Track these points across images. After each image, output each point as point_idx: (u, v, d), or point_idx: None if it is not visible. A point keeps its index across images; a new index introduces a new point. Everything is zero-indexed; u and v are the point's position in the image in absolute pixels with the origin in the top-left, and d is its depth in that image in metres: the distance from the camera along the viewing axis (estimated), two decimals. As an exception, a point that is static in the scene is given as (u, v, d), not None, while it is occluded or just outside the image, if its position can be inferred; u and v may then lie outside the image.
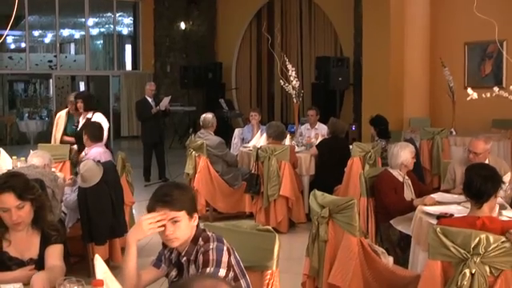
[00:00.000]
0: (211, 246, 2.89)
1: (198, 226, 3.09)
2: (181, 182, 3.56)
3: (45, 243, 3.33)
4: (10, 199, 3.25)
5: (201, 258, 2.88)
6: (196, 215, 3.02)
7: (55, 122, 8.98)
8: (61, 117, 8.92)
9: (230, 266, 2.88)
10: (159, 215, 2.90)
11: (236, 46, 17.96)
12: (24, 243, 3.29)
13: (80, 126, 8.17)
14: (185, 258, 2.99)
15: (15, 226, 3.28)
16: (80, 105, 8.28)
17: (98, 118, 8.12)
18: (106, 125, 7.72)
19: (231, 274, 2.89)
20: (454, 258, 3.42)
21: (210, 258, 2.85)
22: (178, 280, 3.03)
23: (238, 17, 17.65)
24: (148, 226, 2.90)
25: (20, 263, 3.25)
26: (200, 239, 2.97)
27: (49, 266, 3.24)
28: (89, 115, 8.20)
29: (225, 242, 2.97)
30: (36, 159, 5.89)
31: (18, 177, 3.45)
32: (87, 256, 5.70)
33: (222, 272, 2.83)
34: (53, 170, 6.79)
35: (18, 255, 3.27)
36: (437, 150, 9.19)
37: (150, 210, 2.95)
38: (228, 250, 2.93)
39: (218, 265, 2.83)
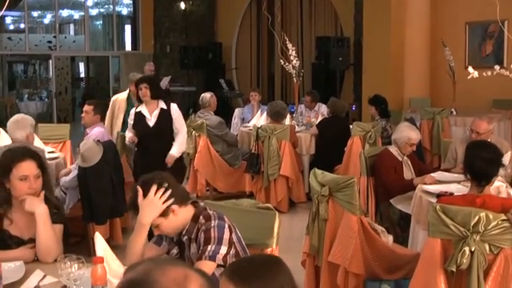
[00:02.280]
0: (213, 224, 2.90)
1: (197, 204, 3.08)
2: (147, 176, 3.12)
3: None
4: (31, 167, 3.28)
5: (202, 235, 2.89)
6: (183, 206, 3.00)
7: (109, 109, 7.68)
8: (119, 102, 7.74)
9: (231, 243, 2.90)
10: (161, 192, 2.91)
11: (236, 25, 17.87)
12: (25, 222, 3.29)
13: (153, 121, 6.26)
14: (186, 237, 3.01)
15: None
16: (145, 91, 6.20)
17: (176, 112, 6.37)
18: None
19: (233, 251, 2.91)
20: (453, 235, 3.42)
21: (212, 235, 2.87)
22: (178, 258, 3.04)
23: (237, -4, 17.57)
24: (160, 201, 2.91)
25: (20, 242, 3.26)
26: (201, 217, 2.97)
27: None
28: (162, 105, 6.29)
29: (226, 219, 2.98)
30: (19, 133, 5.62)
31: (31, 148, 3.50)
32: (88, 236, 5.71)
33: (224, 249, 2.85)
34: (48, 148, 6.79)
35: (18, 234, 3.28)
36: (437, 130, 9.18)
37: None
38: (229, 227, 2.94)
39: (220, 242, 2.85)
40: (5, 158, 3.33)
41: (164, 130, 6.26)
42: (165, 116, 6.26)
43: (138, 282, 1.36)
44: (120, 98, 7.80)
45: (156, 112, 6.24)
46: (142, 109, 6.28)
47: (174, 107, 6.34)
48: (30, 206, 3.21)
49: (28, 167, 3.27)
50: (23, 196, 3.22)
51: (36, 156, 3.37)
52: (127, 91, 7.71)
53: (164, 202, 2.91)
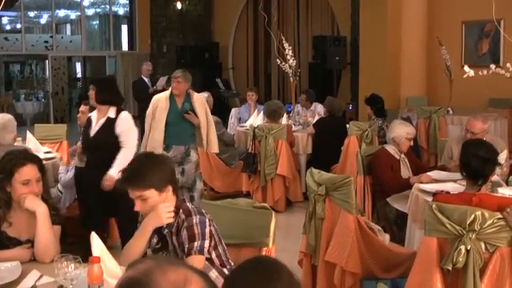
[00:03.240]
0: (194, 221, 2.99)
1: (177, 196, 3.12)
2: (153, 154, 3.55)
3: None
4: (33, 171, 3.31)
5: (185, 232, 2.97)
6: (169, 187, 3.06)
7: (150, 110, 6.80)
8: (160, 101, 6.76)
9: (211, 236, 3.01)
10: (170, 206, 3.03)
11: (233, 25, 17.86)
12: (23, 223, 3.30)
13: (95, 130, 5.37)
14: (166, 230, 3.08)
15: None
16: (92, 94, 5.52)
17: (124, 123, 5.41)
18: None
19: (212, 243, 3.03)
20: (449, 234, 3.43)
21: (195, 231, 2.96)
22: (160, 248, 3.12)
23: (234, -4, 17.57)
24: (166, 215, 3.00)
25: (17, 243, 3.26)
26: (181, 211, 3.06)
27: None
28: (111, 113, 5.35)
29: (204, 212, 3.07)
30: (8, 137, 5.46)
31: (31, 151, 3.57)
32: (84, 236, 5.68)
33: (207, 243, 2.97)
34: (45, 148, 6.78)
35: (16, 235, 3.28)
36: (433, 129, 9.18)
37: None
38: (209, 220, 3.04)
39: (203, 237, 2.97)
40: (7, 162, 3.33)
41: (104, 144, 5.21)
42: (108, 127, 5.23)
43: (137, 282, 1.35)
44: (161, 97, 6.84)
45: (102, 121, 5.28)
46: (93, 114, 5.45)
47: (122, 117, 5.27)
48: (30, 204, 3.21)
49: (30, 171, 3.29)
50: (23, 195, 3.23)
51: (37, 160, 3.41)
52: (169, 90, 6.91)
53: (169, 218, 3.02)
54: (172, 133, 6.63)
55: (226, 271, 3.06)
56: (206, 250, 2.96)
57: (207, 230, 2.98)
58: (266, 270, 1.92)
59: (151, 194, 2.99)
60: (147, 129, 6.76)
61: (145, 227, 3.04)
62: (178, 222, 3.03)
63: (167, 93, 6.84)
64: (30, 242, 3.25)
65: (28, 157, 3.39)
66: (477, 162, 3.88)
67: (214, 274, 3.03)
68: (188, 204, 3.09)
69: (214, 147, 6.93)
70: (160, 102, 6.72)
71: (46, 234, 3.18)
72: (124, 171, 3.08)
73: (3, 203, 3.29)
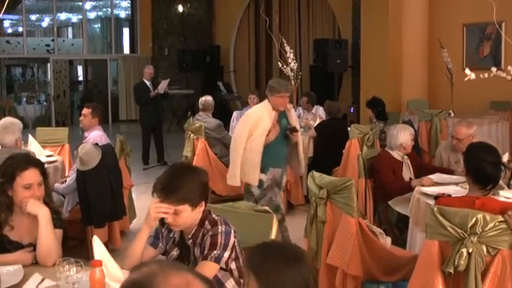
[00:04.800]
0: (220, 230, 2.94)
1: (204, 208, 3.08)
2: (190, 165, 3.33)
3: None
4: (35, 175, 3.30)
5: (208, 239, 2.93)
6: (203, 202, 2.98)
7: (245, 128, 5.83)
8: (263, 118, 5.81)
9: (233, 248, 2.95)
10: (165, 207, 2.90)
11: (234, 28, 17.89)
12: (25, 227, 3.31)
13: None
14: (191, 241, 3.03)
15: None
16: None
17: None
18: None
19: (233, 254, 2.96)
20: (451, 237, 3.42)
21: (219, 241, 2.91)
22: (179, 260, 3.05)
23: (235, -1, 17.60)
24: (155, 215, 2.94)
25: (19, 247, 3.26)
26: (206, 222, 3.00)
27: None
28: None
29: (230, 224, 3.02)
30: (8, 137, 5.51)
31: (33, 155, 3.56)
32: (86, 239, 5.70)
33: (227, 254, 2.90)
34: (47, 152, 6.79)
35: (17, 239, 3.28)
36: (435, 132, 9.18)
37: (153, 194, 2.96)
38: (234, 232, 2.99)
39: (225, 248, 2.91)
40: (8, 165, 3.33)
41: None
42: None
43: (139, 285, 1.36)
44: (263, 113, 5.85)
45: None
46: None
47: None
48: (32, 208, 3.22)
49: (32, 175, 3.29)
50: (25, 199, 3.23)
51: (39, 164, 3.41)
52: (265, 103, 5.94)
53: (156, 218, 2.97)
54: (270, 154, 5.76)
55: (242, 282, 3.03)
56: (223, 261, 2.89)
57: (231, 242, 2.92)
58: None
59: (183, 208, 2.90)
60: (240, 150, 5.79)
61: (143, 228, 3.03)
62: (203, 233, 2.97)
63: (268, 107, 5.86)
64: (32, 246, 3.26)
65: (30, 161, 3.39)
66: (489, 167, 3.85)
67: (230, 283, 2.99)
68: (214, 215, 3.03)
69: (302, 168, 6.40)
70: (263, 119, 5.78)
71: (49, 237, 3.18)
72: (158, 181, 2.95)
73: (4, 207, 3.29)
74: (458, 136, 5.57)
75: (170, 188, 2.90)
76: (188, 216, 2.93)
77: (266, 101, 5.92)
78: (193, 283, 1.39)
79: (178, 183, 2.91)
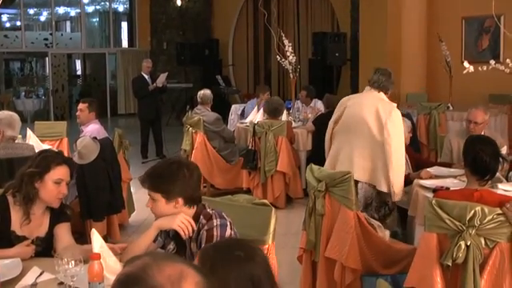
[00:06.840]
0: (215, 223, 2.94)
1: (198, 204, 3.08)
2: (184, 161, 3.36)
3: (54, 222, 3.37)
4: (66, 172, 3.36)
5: (204, 234, 2.93)
6: (179, 199, 2.95)
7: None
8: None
9: None
10: (189, 221, 2.94)
11: (232, 22, 17.87)
12: (36, 222, 3.31)
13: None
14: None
15: (58, 200, 3.33)
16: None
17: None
18: None
19: None
20: (449, 230, 3.43)
21: (214, 234, 2.91)
22: (175, 253, 3.06)
23: (234, -8, 17.57)
24: (179, 223, 2.94)
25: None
26: (201, 217, 3.00)
27: (68, 243, 3.31)
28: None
29: (225, 216, 3.02)
30: (10, 133, 5.34)
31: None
32: (85, 233, 5.71)
33: None
34: (45, 146, 6.77)
35: (26, 233, 3.28)
36: (434, 125, 9.18)
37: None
38: (230, 224, 2.99)
39: None
40: (44, 158, 3.35)
41: None
42: None
43: (133, 277, 1.36)
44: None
45: None
46: None
47: None
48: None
49: (64, 172, 3.33)
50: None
51: (71, 164, 3.46)
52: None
53: (179, 226, 2.95)
54: None
55: None
56: None
57: (227, 234, 2.93)
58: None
59: (157, 197, 2.95)
60: (328, 140, 5.79)
61: (153, 226, 3.02)
62: (199, 228, 2.98)
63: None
64: (39, 240, 3.28)
65: (65, 158, 3.46)
66: (488, 159, 3.85)
67: None
68: (208, 209, 3.04)
69: None
70: None
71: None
72: (151, 169, 3.07)
73: (28, 199, 3.28)
74: (476, 120, 5.57)
75: (150, 173, 2.99)
76: (162, 207, 2.96)
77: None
78: (187, 273, 1.39)
79: (159, 171, 2.98)
